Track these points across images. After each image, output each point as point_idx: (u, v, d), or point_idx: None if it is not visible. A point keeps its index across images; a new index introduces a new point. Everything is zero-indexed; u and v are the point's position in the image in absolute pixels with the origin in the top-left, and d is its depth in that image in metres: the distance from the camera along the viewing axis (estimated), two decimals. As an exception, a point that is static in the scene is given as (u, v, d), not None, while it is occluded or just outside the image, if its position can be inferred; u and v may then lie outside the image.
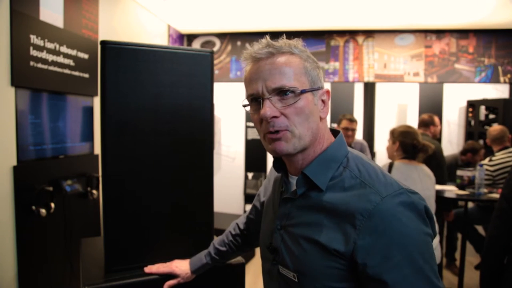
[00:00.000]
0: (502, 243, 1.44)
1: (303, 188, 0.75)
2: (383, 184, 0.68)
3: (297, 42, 0.76)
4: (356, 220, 0.65)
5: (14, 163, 1.86)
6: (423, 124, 3.40)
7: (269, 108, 0.71)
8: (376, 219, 0.64)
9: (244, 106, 0.78)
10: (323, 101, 0.78)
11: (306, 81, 0.74)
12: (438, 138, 3.74)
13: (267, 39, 0.75)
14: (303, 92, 0.72)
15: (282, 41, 0.76)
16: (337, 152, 0.76)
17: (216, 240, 1.18)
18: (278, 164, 0.84)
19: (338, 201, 0.69)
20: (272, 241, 0.81)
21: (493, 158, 3.11)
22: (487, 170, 3.01)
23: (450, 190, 2.94)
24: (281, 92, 0.72)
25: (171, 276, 1.11)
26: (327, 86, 4.42)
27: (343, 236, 0.66)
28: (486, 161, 3.15)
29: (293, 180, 0.80)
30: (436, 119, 3.43)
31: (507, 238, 1.42)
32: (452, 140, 4.03)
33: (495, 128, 3.28)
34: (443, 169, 3.11)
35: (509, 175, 1.49)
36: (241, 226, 1.15)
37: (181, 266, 1.13)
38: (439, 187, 2.86)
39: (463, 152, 3.59)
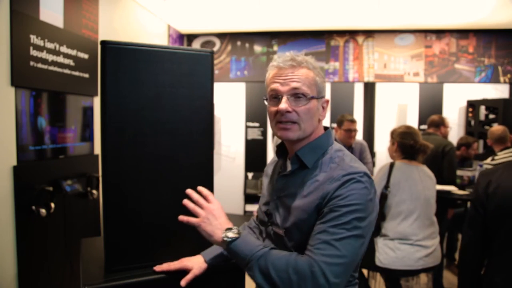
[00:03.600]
0: (476, 257, 1.40)
1: (296, 165, 1.01)
2: (348, 167, 0.94)
3: (312, 59, 1.01)
4: (331, 184, 0.92)
5: (14, 163, 1.86)
6: (434, 124, 3.44)
7: (285, 104, 0.96)
8: (340, 184, 0.91)
9: (265, 99, 1.04)
10: (323, 107, 1.04)
11: (315, 90, 0.99)
12: None
13: (291, 54, 0.99)
14: (312, 98, 0.98)
15: (302, 57, 0.99)
16: (324, 142, 1.03)
17: None
18: (281, 151, 1.11)
19: (319, 174, 0.97)
20: (269, 208, 1.08)
21: (496, 157, 3.11)
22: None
23: (454, 191, 2.94)
24: (296, 94, 0.97)
25: (179, 275, 1.08)
26: (327, 86, 4.42)
27: (320, 197, 0.92)
28: (488, 160, 3.15)
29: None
30: (447, 120, 3.49)
31: (480, 249, 1.40)
32: (452, 140, 4.01)
33: (498, 128, 3.27)
34: (453, 168, 3.12)
35: (476, 181, 1.45)
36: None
37: (193, 259, 1.12)
38: (439, 187, 2.86)
39: (457, 147, 3.61)
